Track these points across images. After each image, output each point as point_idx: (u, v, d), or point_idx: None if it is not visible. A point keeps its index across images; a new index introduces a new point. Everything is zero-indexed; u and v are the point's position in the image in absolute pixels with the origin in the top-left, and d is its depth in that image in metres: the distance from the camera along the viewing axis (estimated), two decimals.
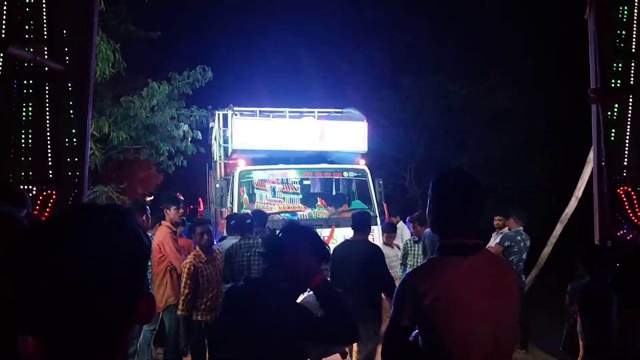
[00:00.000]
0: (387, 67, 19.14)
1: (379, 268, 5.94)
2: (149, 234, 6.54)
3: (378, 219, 9.74)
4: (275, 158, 9.93)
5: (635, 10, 5.86)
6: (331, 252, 5.13)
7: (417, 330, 2.43)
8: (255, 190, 9.49)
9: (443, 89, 19.00)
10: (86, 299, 1.02)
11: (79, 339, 1.02)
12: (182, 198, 8.96)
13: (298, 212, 9.31)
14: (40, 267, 1.04)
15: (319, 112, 10.69)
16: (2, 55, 3.73)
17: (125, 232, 1.12)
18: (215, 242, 6.89)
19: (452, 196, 2.44)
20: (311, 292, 2.65)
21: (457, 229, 2.45)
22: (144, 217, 6.10)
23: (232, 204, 9.32)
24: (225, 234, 7.70)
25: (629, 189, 5.58)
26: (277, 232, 2.65)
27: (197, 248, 6.48)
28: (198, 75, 11.64)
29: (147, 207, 6.35)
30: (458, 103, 18.86)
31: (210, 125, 12.61)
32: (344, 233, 7.92)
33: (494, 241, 8.75)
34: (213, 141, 12.37)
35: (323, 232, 8.65)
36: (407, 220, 9.73)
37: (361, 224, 6.33)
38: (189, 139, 12.21)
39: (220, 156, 10.93)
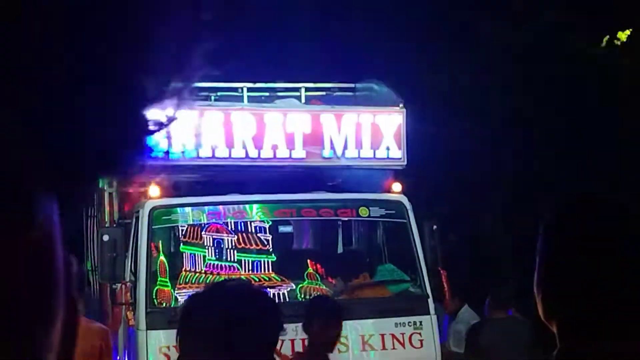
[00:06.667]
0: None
1: None
2: None
3: (430, 302, 7.34)
4: (220, 181, 7.75)
5: None
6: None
7: None
8: (182, 248, 7.41)
9: (565, 43, 13.44)
10: None
11: None
12: None
13: (269, 289, 7.04)
14: None
15: (308, 89, 8.65)
16: None
17: None
18: None
19: (600, 250, 1.58)
20: None
21: (611, 318, 1.58)
22: None
23: (135, 274, 7.21)
24: None
25: None
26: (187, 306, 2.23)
27: None
28: None
29: None
30: (593, 71, 13.43)
31: None
32: (364, 328, 6.82)
33: None
34: None
35: None
36: (487, 303, 7.79)
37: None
38: None
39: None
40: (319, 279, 7.23)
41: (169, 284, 6.87)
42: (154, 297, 6.70)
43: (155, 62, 0.42)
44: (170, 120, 0.47)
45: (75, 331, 0.48)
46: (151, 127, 0.46)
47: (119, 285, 7.48)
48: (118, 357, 7.58)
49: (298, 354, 5.03)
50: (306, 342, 4.91)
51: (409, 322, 6.83)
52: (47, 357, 0.41)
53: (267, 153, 7.47)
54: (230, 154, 7.40)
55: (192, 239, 7.25)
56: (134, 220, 7.35)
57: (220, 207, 7.35)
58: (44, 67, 0.39)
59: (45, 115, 0.39)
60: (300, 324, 6.76)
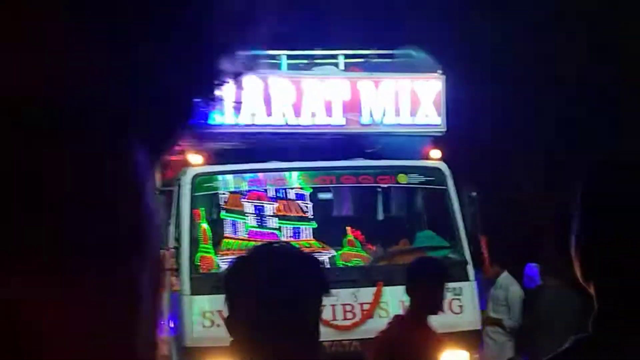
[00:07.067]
0: None
1: None
2: None
3: (470, 268, 7.17)
4: (261, 149, 7.58)
5: None
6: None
7: None
8: (223, 215, 7.31)
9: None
10: None
11: None
12: None
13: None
14: None
15: (347, 56, 8.33)
16: None
17: None
18: None
19: (636, 210, 1.54)
20: None
21: None
22: None
23: (178, 240, 7.08)
24: None
25: None
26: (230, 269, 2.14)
27: None
28: None
29: None
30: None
31: None
32: (404, 294, 5.53)
33: None
34: None
35: (362, 294, 6.89)
36: (526, 268, 8.27)
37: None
38: None
39: None
40: (359, 245, 7.13)
41: (211, 250, 6.83)
42: (197, 262, 6.65)
43: (224, 15, 0.42)
44: (240, 73, 0.46)
45: (161, 282, 0.46)
46: (222, 78, 0.46)
47: (163, 251, 7.24)
48: (163, 322, 7.60)
49: (398, 317, 4.55)
50: (409, 305, 4.50)
51: (449, 288, 6.67)
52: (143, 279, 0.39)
53: (305, 120, 7.33)
54: (269, 122, 7.30)
55: (233, 205, 7.17)
56: (176, 187, 7.30)
57: (261, 174, 7.26)
58: (121, 17, 0.39)
59: (122, 62, 0.40)
60: (340, 290, 6.67)
